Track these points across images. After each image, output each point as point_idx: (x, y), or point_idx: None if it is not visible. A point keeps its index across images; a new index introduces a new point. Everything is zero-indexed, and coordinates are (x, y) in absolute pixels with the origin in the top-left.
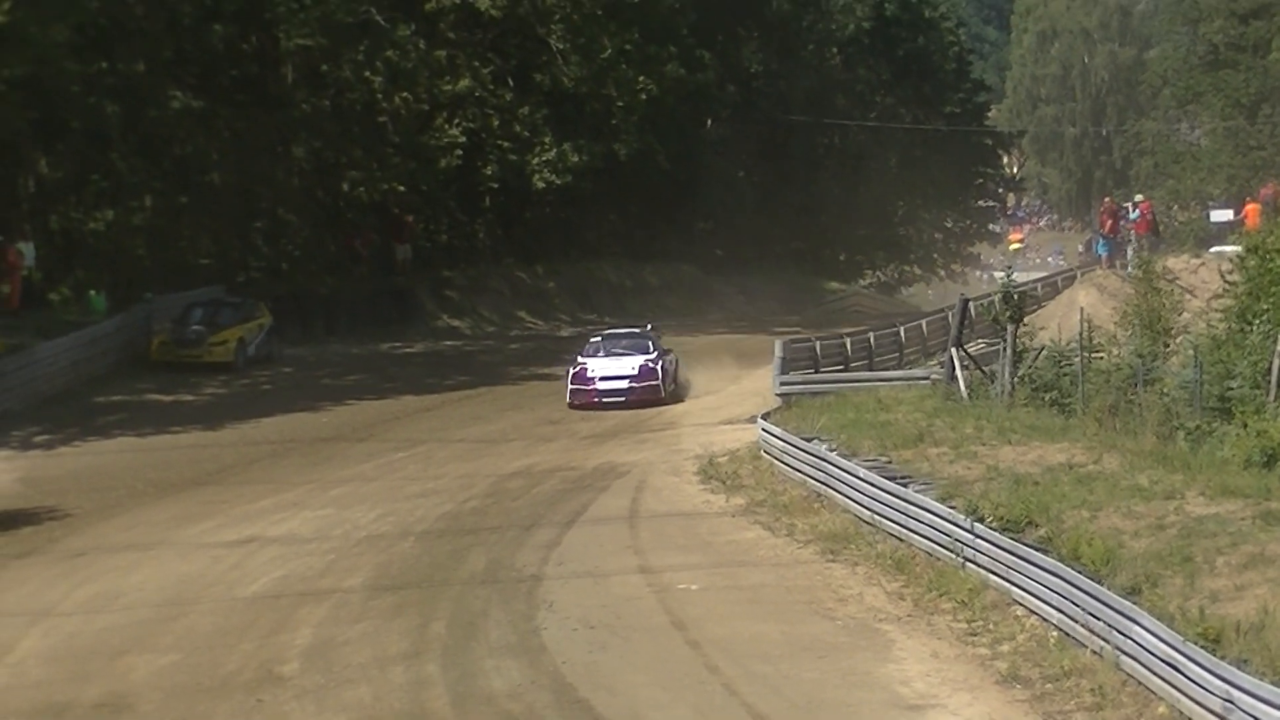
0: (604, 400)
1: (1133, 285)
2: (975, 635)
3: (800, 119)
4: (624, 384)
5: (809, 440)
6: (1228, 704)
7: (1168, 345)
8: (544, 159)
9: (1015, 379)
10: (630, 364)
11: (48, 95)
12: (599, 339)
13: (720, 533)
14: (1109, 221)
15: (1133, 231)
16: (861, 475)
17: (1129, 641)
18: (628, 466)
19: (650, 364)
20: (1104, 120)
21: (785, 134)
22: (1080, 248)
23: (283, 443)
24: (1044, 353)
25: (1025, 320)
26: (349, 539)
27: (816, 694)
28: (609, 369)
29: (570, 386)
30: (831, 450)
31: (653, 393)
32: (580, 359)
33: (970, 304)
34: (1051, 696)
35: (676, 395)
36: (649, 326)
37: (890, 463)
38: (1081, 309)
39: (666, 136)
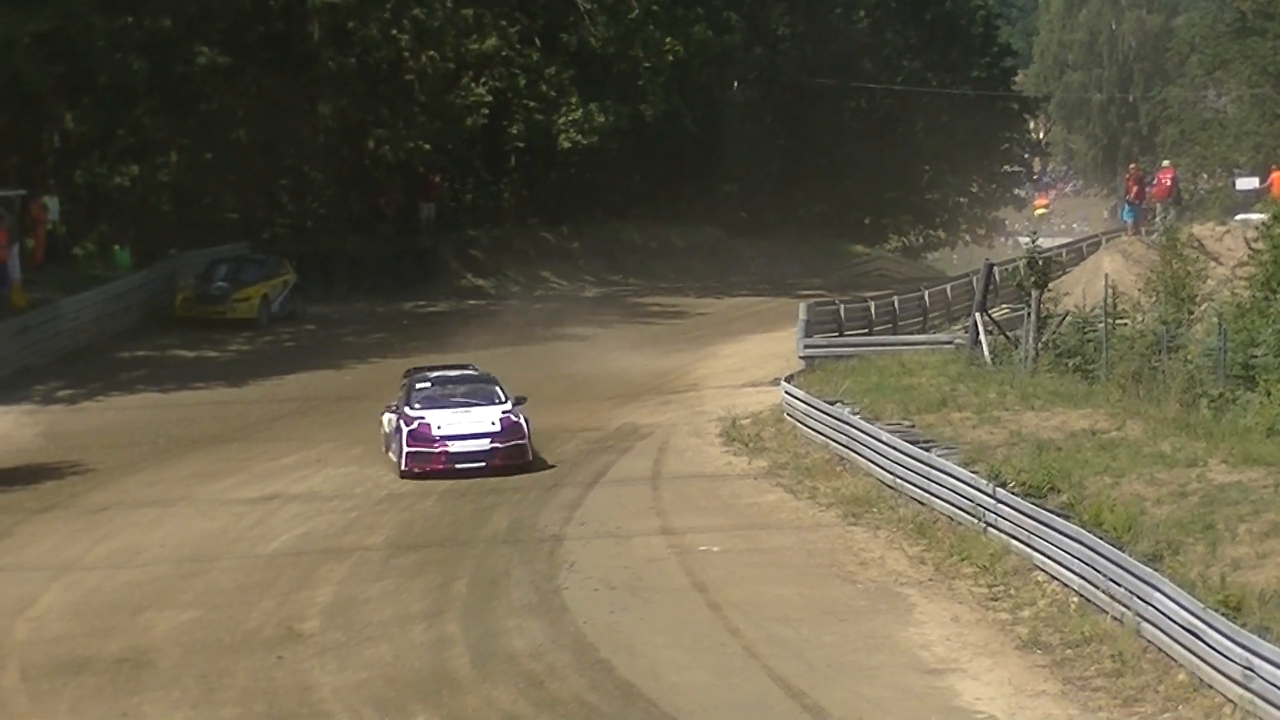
0: (458, 466)
1: (1158, 252)
2: (996, 600)
3: (826, 83)
4: (485, 444)
5: (832, 403)
6: (1248, 672)
7: (1192, 313)
8: (570, 119)
9: (1039, 345)
10: (487, 417)
11: (74, 50)
12: (426, 384)
13: (742, 495)
14: (1134, 188)
15: (1155, 198)
16: (884, 439)
17: (1150, 608)
18: (650, 428)
19: (512, 417)
20: (1131, 86)
21: (811, 98)
22: (1105, 214)
23: (305, 400)
24: (1068, 319)
25: (1050, 286)
26: (371, 497)
27: (837, 657)
28: (459, 425)
29: (406, 449)
30: (855, 414)
31: (519, 454)
32: (410, 410)
33: (995, 269)
34: (1072, 662)
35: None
36: (472, 368)
37: (913, 427)
38: (1106, 275)
39: (693, 99)
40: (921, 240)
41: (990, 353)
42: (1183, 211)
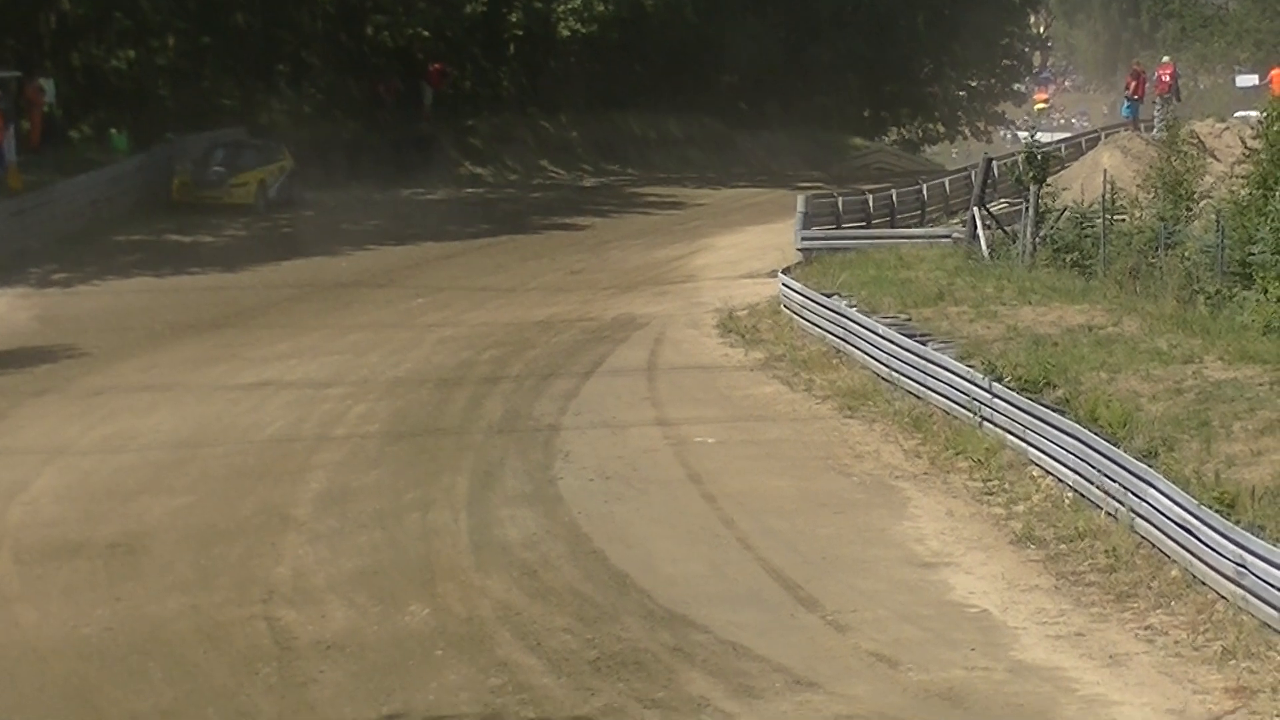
0: None
1: (1157, 149)
2: (991, 495)
3: None
4: None
5: (829, 296)
6: (1240, 569)
7: (1190, 209)
8: (570, 7)
9: (1037, 240)
10: None
11: None
12: None
13: (738, 387)
14: (1132, 84)
15: (1155, 94)
16: (881, 332)
17: (1144, 504)
18: (647, 318)
19: None
20: None
21: None
22: (1105, 109)
23: (301, 287)
24: (1066, 214)
25: (1048, 181)
26: (366, 385)
27: (831, 550)
28: None
29: None
30: (851, 307)
31: None
32: None
33: (994, 163)
34: (1065, 557)
35: None
36: None
37: (910, 320)
38: (1105, 171)
39: None
40: (921, 134)
41: (988, 247)
42: (1180, 108)
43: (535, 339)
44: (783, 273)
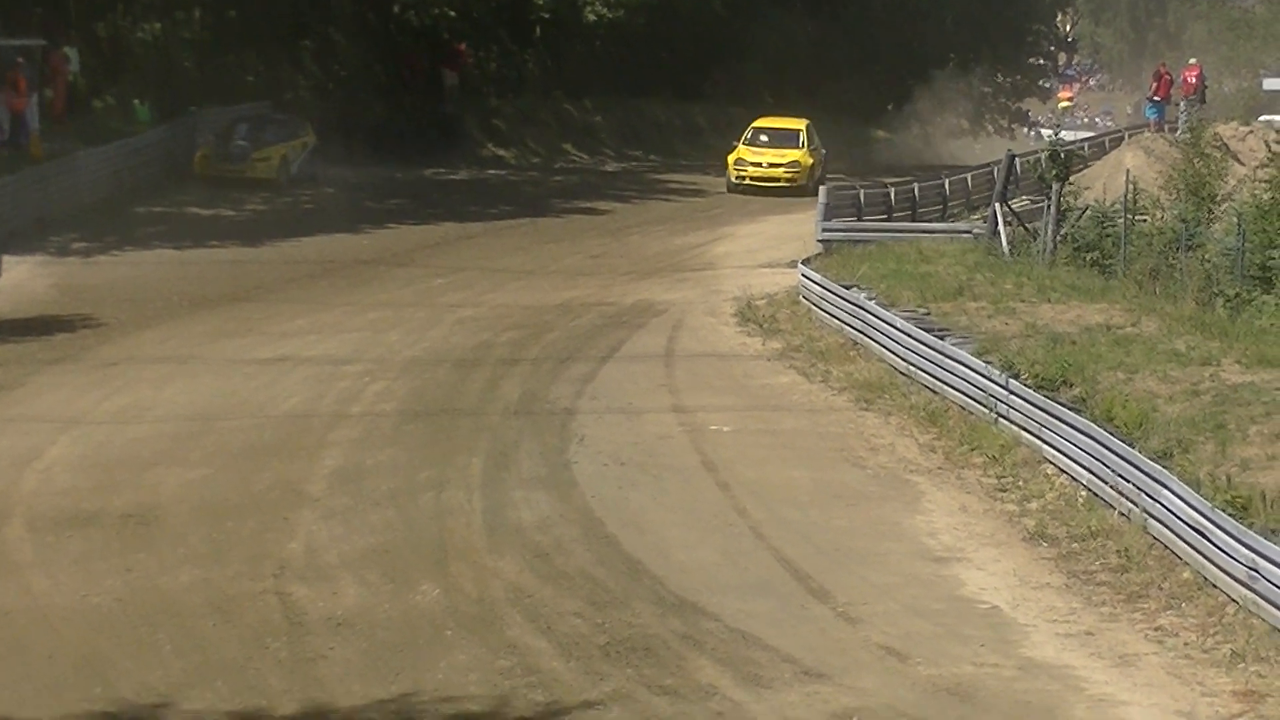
0: None
1: (1180, 150)
2: (1004, 491)
3: None
4: None
5: (848, 288)
6: (1253, 572)
7: (1211, 212)
8: None
9: (1058, 237)
10: None
11: None
12: None
13: (755, 376)
14: (1155, 85)
15: (1182, 94)
16: (899, 326)
17: (1157, 505)
18: (665, 305)
19: None
20: None
21: None
22: (1129, 109)
23: (322, 263)
24: (1088, 212)
25: (1071, 179)
26: (383, 363)
27: (844, 542)
28: None
29: None
30: (870, 299)
31: None
32: None
33: (1016, 160)
34: (1077, 556)
35: None
36: None
37: (929, 315)
38: (1128, 171)
39: None
40: (945, 129)
41: (1009, 244)
42: (1204, 111)
43: (554, 322)
44: (802, 263)
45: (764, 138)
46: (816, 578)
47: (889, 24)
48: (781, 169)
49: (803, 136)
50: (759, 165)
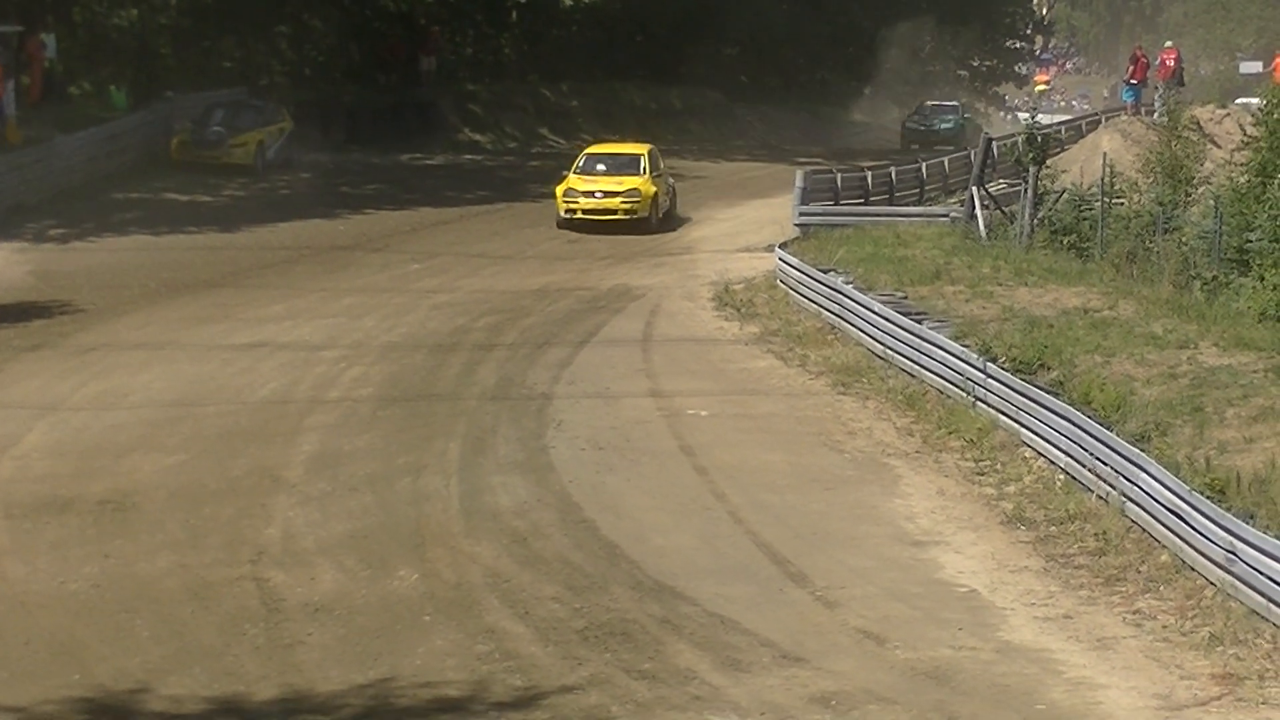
0: None
1: (1157, 133)
2: (982, 475)
3: None
4: None
5: (826, 272)
6: (1230, 555)
7: (1189, 195)
8: None
9: (1035, 221)
10: None
11: None
12: None
13: (732, 360)
14: (1132, 68)
15: (1159, 78)
16: (877, 310)
17: (1135, 488)
18: (643, 290)
19: None
20: None
21: None
22: (1105, 92)
23: (298, 249)
24: (1065, 196)
25: (1048, 163)
26: (360, 348)
27: (821, 525)
28: None
29: None
30: (848, 283)
31: None
32: None
33: (993, 144)
34: (1055, 539)
35: None
36: None
37: (906, 298)
38: (1105, 154)
39: None
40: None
41: (986, 227)
42: (1181, 93)
43: (531, 307)
44: (780, 247)
45: (600, 165)
46: (794, 562)
47: (865, 7)
48: (619, 199)
49: (644, 162)
50: (591, 195)
